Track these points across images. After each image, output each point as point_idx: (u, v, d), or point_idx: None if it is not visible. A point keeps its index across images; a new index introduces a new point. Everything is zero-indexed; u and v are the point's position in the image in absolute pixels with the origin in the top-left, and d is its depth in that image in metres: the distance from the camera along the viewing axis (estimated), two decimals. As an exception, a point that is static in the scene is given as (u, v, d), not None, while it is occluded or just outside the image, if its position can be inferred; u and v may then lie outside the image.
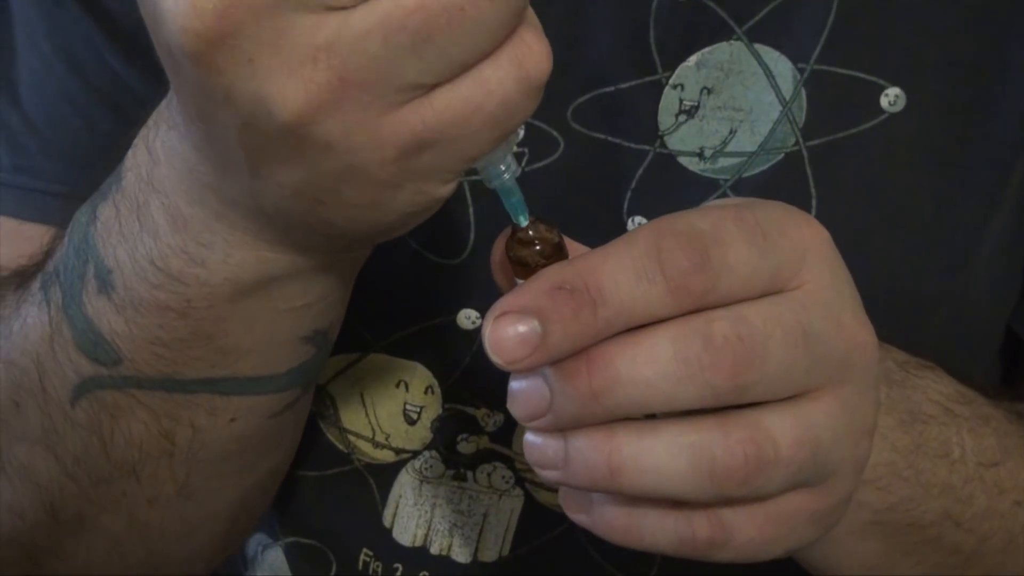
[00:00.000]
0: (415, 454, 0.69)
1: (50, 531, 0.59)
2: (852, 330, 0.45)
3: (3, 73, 0.69)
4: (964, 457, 0.56)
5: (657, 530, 0.44)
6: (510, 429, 0.68)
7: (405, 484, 0.70)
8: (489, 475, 0.69)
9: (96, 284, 0.52)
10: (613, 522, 0.44)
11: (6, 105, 0.69)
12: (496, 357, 0.42)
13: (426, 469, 0.69)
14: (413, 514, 0.70)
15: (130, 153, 0.51)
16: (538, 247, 0.45)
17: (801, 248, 0.44)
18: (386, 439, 0.69)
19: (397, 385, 0.68)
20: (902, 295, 0.64)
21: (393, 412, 0.68)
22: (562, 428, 0.43)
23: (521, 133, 0.45)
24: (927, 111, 0.62)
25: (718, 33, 0.62)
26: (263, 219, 0.47)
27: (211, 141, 0.45)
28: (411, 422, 0.68)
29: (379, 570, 0.71)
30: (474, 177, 0.63)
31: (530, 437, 0.43)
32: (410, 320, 0.67)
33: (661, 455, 0.42)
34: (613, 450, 0.42)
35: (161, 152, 0.49)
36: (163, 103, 0.50)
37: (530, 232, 0.45)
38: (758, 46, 0.62)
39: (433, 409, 0.68)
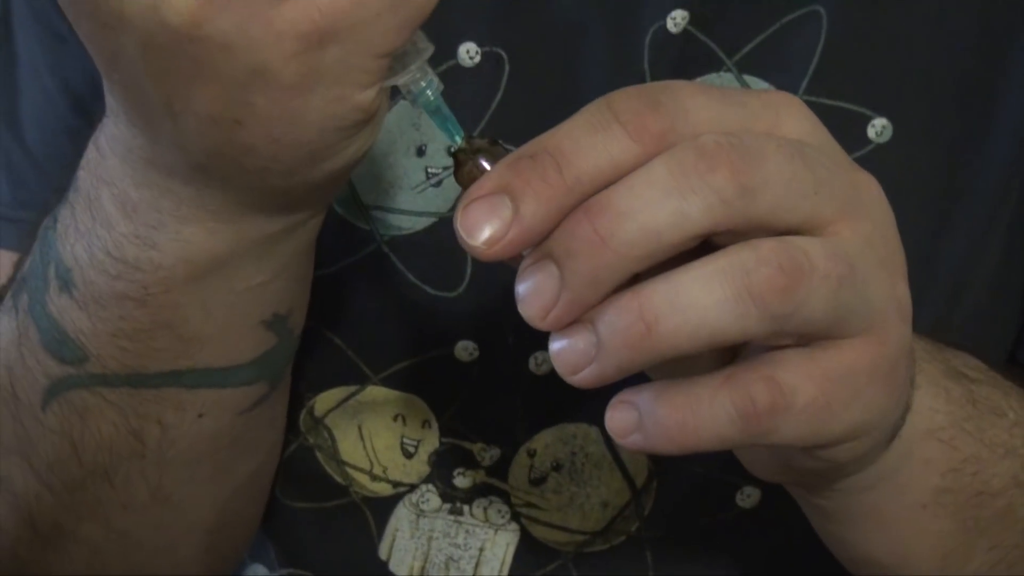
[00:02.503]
0: (412, 487, 0.69)
1: (31, 543, 0.59)
2: (851, 168, 0.43)
3: (8, 110, 0.71)
4: (1020, 420, 0.55)
5: (715, 410, 0.40)
6: (506, 463, 0.68)
7: (402, 517, 0.70)
8: (485, 509, 0.69)
9: (58, 284, 0.53)
10: (667, 420, 0.40)
11: (9, 141, 0.70)
12: (472, 240, 0.40)
13: (423, 502, 0.69)
14: (409, 547, 0.70)
15: (84, 155, 0.52)
16: (482, 154, 0.44)
17: (772, 105, 0.42)
18: (383, 472, 0.69)
19: (394, 419, 0.68)
20: None
21: (390, 445, 0.69)
22: (579, 301, 0.40)
23: (432, 48, 0.45)
24: (915, 141, 0.63)
25: (709, 64, 0.62)
26: (200, 179, 0.48)
27: (126, 89, 0.45)
28: (408, 455, 0.69)
29: None
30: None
31: (555, 344, 0.41)
32: (408, 353, 0.67)
33: (694, 289, 0.39)
34: (644, 303, 0.39)
35: (105, 144, 0.50)
36: None
37: (472, 146, 0.44)
38: (747, 77, 0.62)
39: (430, 443, 0.68)
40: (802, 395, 0.41)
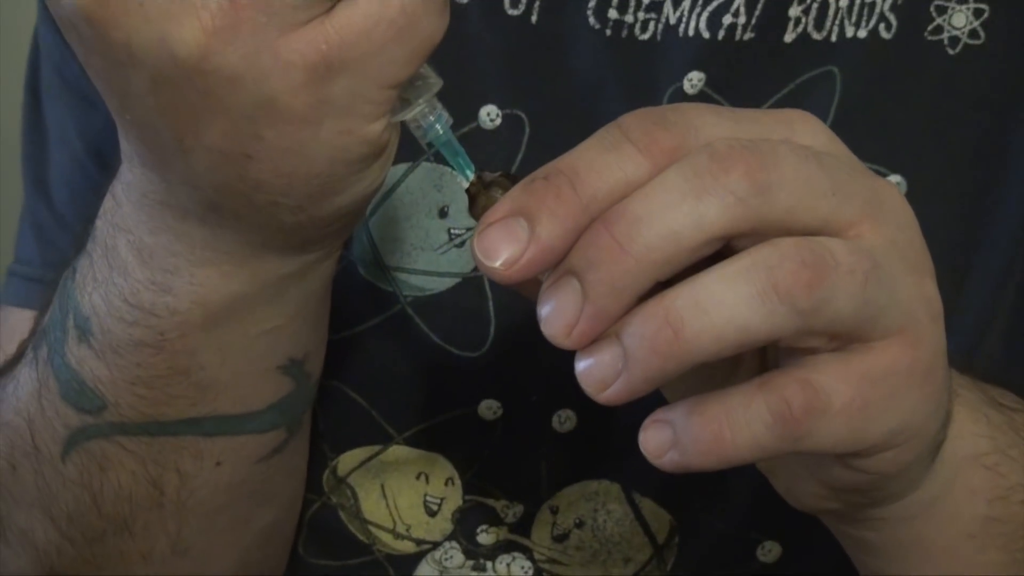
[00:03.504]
0: (435, 545, 0.70)
1: None
2: (869, 175, 0.43)
3: (38, 175, 0.72)
4: None
5: (750, 417, 0.40)
6: (529, 520, 0.69)
7: (425, 575, 0.70)
8: (508, 565, 0.69)
9: (76, 333, 0.54)
10: (702, 432, 0.40)
11: (39, 204, 0.71)
12: (490, 263, 0.40)
13: (446, 560, 0.70)
14: None
15: (101, 205, 0.53)
16: (495, 186, 0.44)
17: (785, 120, 0.43)
18: (407, 530, 0.69)
19: (417, 477, 0.69)
20: None
21: (414, 503, 0.69)
22: (602, 312, 0.39)
23: (441, 83, 0.46)
24: (929, 197, 0.63)
25: None
26: (214, 219, 0.48)
27: (138, 128, 0.45)
28: (431, 513, 0.69)
29: None
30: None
31: (581, 363, 0.40)
32: (431, 412, 0.67)
33: (719, 289, 0.39)
34: (668, 307, 0.39)
35: (121, 192, 0.51)
36: None
37: (484, 180, 0.44)
38: None
39: (453, 501, 0.69)
40: (838, 396, 0.41)
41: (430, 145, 0.47)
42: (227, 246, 0.49)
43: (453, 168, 0.47)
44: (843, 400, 0.41)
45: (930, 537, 0.51)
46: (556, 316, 0.40)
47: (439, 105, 0.46)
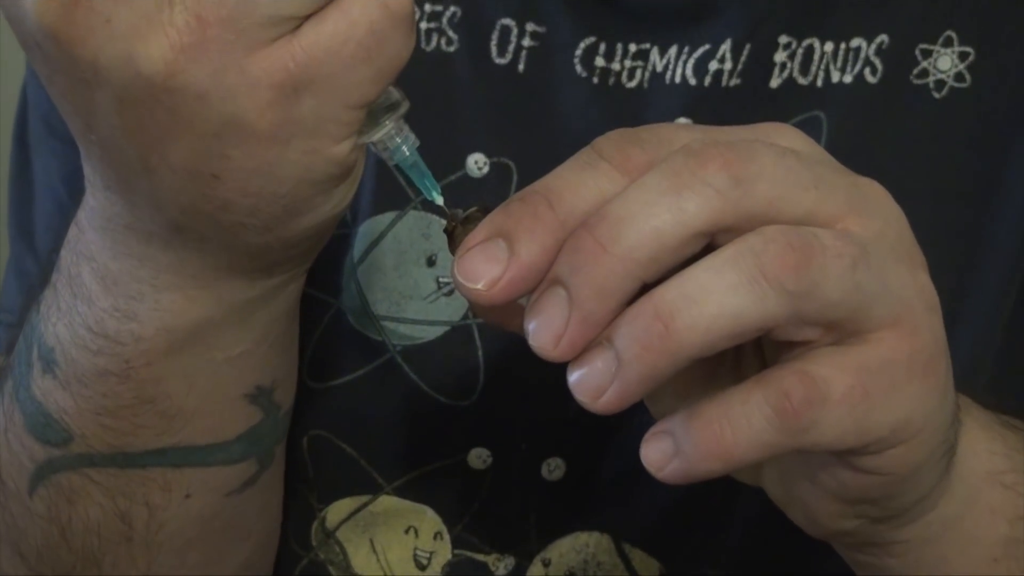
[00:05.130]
0: None
1: None
2: (852, 174, 0.43)
3: (23, 223, 0.72)
4: None
5: (749, 413, 0.40)
6: (521, 573, 0.68)
7: None
8: (500, 619, 0.69)
9: (41, 365, 0.53)
10: (703, 435, 0.40)
11: (25, 253, 0.71)
12: (471, 284, 0.40)
13: None
14: None
15: (66, 235, 0.53)
16: (472, 222, 0.43)
17: (762, 130, 0.43)
18: None
19: (406, 531, 0.68)
20: None
21: (403, 557, 0.68)
22: (589, 317, 0.39)
23: (407, 105, 0.46)
24: (918, 240, 0.63)
25: None
26: (178, 241, 0.48)
27: (103, 149, 0.45)
28: (422, 567, 0.68)
29: None
30: (479, 320, 0.64)
31: (573, 375, 0.40)
32: (421, 461, 0.67)
33: (707, 279, 0.39)
34: (657, 303, 0.39)
35: (84, 219, 0.50)
36: None
37: (456, 219, 0.44)
38: None
39: (443, 555, 0.68)
40: (837, 386, 0.40)
41: (397, 167, 0.47)
42: (192, 270, 0.49)
43: (420, 190, 0.47)
44: (842, 389, 0.40)
45: (953, 560, 0.50)
46: (543, 327, 0.40)
47: (406, 127, 0.46)
